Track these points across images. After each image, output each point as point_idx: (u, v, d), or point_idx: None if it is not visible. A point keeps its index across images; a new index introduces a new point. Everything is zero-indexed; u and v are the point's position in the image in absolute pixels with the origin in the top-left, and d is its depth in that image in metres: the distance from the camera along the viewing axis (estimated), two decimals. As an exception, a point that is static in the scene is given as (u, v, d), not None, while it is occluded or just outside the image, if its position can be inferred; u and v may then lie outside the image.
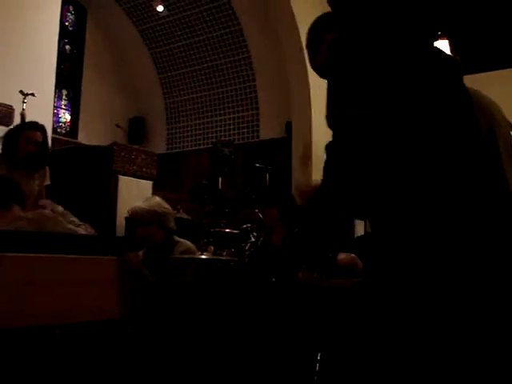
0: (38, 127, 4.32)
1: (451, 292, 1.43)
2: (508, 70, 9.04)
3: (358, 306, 1.68)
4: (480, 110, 1.84)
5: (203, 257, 2.85)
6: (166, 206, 3.54)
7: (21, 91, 5.44)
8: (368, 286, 1.66)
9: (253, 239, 4.95)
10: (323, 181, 1.74)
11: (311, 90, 9.09)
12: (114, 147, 5.99)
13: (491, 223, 1.49)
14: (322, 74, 2.08)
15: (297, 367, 2.94)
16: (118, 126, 9.31)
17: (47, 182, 4.40)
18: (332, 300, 2.81)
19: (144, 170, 6.17)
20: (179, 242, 3.48)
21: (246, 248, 4.89)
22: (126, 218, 5.75)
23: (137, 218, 3.43)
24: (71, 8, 10.81)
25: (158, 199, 3.57)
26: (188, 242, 3.57)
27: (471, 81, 1.90)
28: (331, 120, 1.68)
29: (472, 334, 1.43)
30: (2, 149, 4.30)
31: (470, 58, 8.36)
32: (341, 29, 1.91)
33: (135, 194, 5.95)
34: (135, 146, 7.44)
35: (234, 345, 2.85)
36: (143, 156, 6.24)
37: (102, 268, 1.67)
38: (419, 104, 1.55)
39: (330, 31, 2.00)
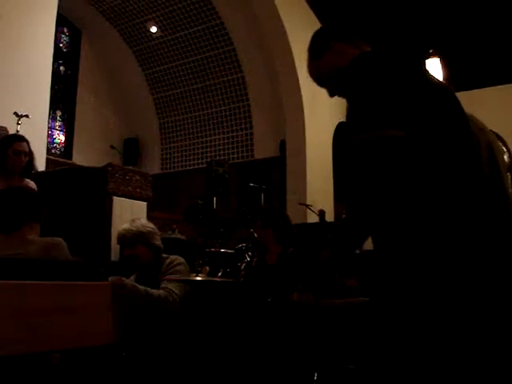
0: (23, 138, 4.40)
1: (460, 307, 1.48)
2: (499, 86, 9.14)
3: (367, 324, 1.71)
4: (476, 127, 1.88)
5: (198, 278, 2.83)
6: (151, 225, 3.61)
7: (15, 113, 5.43)
8: (376, 304, 1.68)
9: (248, 259, 4.94)
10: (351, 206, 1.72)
11: (305, 109, 9.15)
12: (109, 168, 5.95)
13: (498, 240, 1.55)
14: (319, 81, 2.05)
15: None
16: (112, 147, 9.33)
17: None
18: (327, 319, 2.80)
19: (139, 190, 6.14)
20: (167, 257, 3.52)
21: (242, 268, 4.88)
22: (121, 239, 5.73)
23: (123, 240, 3.47)
24: (65, 30, 10.86)
25: (142, 220, 3.64)
26: (175, 256, 3.60)
27: (463, 98, 1.92)
28: (360, 141, 1.63)
29: (477, 343, 1.46)
30: None
31: (462, 75, 8.43)
32: (353, 43, 1.93)
33: (130, 215, 5.91)
34: (130, 167, 7.42)
35: (230, 365, 2.82)
36: (138, 177, 6.21)
37: (97, 293, 1.66)
38: (427, 126, 1.61)
39: (338, 41, 1.96)
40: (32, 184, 4.44)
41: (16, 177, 4.25)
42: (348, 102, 1.72)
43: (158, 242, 3.52)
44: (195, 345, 2.78)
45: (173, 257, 3.55)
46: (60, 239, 2.62)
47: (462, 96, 1.82)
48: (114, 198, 5.83)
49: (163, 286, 3.19)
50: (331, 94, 2.03)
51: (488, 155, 1.91)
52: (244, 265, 4.99)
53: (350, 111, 1.71)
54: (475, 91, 8.75)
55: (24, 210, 2.65)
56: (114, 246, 5.71)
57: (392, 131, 1.57)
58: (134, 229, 3.46)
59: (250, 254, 5.07)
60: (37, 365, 1.68)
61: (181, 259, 3.51)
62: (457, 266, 1.49)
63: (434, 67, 7.98)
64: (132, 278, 3.56)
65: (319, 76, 2.03)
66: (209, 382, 2.71)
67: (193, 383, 2.72)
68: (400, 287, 1.56)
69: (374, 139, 1.58)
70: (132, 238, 3.42)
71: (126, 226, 3.54)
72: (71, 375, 1.81)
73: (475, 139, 1.72)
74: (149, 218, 6.41)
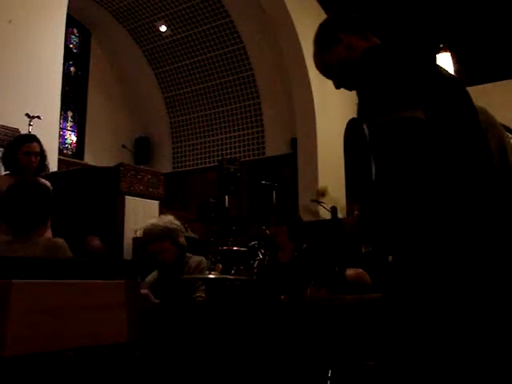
0: (33, 138, 4.40)
1: (470, 305, 1.47)
2: (510, 80, 9.07)
3: (382, 320, 1.69)
4: (487, 121, 1.87)
5: (211, 276, 2.84)
6: (177, 222, 3.61)
7: (27, 114, 5.46)
8: (389, 301, 1.66)
9: (261, 256, 4.94)
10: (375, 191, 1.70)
11: (315, 106, 9.13)
12: (121, 168, 5.99)
13: (508, 232, 1.53)
14: (326, 73, 2.01)
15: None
16: (124, 146, 9.36)
17: None
18: (341, 316, 2.79)
19: (151, 189, 6.17)
20: (191, 256, 3.53)
21: (255, 265, 4.88)
22: (134, 239, 5.75)
23: (150, 235, 3.47)
24: (75, 30, 10.90)
25: (169, 216, 3.66)
26: (199, 257, 3.61)
27: (475, 92, 1.91)
28: (385, 124, 1.59)
29: (486, 341, 1.45)
30: (5, 166, 4.38)
31: (473, 69, 8.38)
32: (363, 36, 1.90)
33: (142, 214, 5.94)
34: (141, 167, 7.45)
35: (244, 363, 2.82)
36: (150, 176, 6.23)
37: (111, 292, 1.67)
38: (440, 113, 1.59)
39: (347, 32, 1.91)
40: (45, 183, 4.33)
41: (28, 176, 4.20)
42: (360, 92, 1.71)
43: (183, 240, 3.54)
44: (209, 343, 2.78)
45: (197, 258, 3.55)
46: (61, 240, 2.60)
47: (473, 90, 1.81)
48: (126, 197, 5.86)
49: (198, 295, 3.21)
50: (338, 86, 2.00)
51: (498, 147, 1.90)
52: (257, 262, 4.99)
53: (364, 99, 1.69)
54: (487, 85, 8.69)
55: (33, 211, 2.63)
56: (127, 245, 5.75)
57: (413, 112, 1.55)
58: (161, 224, 3.49)
59: (262, 251, 5.08)
60: (51, 363, 1.70)
61: (204, 261, 3.52)
62: (467, 259, 1.48)
63: (445, 62, 7.94)
64: (154, 274, 3.58)
65: (328, 68, 1.99)
66: (222, 379, 2.72)
67: (206, 381, 2.73)
68: (413, 281, 1.54)
69: (395, 120, 1.55)
70: (159, 233, 3.43)
71: (153, 220, 3.57)
72: (85, 373, 1.83)
73: (484, 131, 1.70)
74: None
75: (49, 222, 2.93)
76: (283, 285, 3.53)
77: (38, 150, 4.33)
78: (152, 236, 3.47)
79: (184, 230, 3.67)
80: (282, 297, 3.34)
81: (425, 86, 1.65)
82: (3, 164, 4.38)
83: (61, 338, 1.56)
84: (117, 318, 1.63)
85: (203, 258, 3.60)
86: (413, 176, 1.54)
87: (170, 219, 3.58)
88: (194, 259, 3.52)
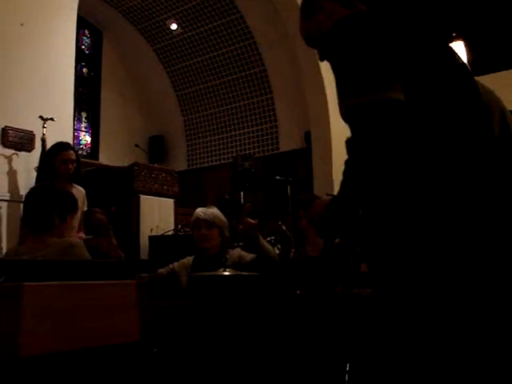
0: (69, 146, 4.66)
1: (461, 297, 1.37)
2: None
3: (371, 315, 1.58)
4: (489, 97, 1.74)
5: (226, 273, 2.84)
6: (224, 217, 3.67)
7: (40, 116, 5.50)
8: (378, 294, 1.57)
9: (277, 251, 4.92)
10: (344, 182, 1.56)
11: (328, 99, 9.07)
12: (135, 167, 6.02)
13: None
14: (309, 42, 1.90)
15: (327, 378, 2.91)
16: (137, 145, 9.38)
17: (85, 208, 4.67)
18: (359, 310, 2.78)
19: (165, 188, 6.20)
20: (230, 250, 3.55)
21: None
22: (150, 237, 5.77)
23: (203, 219, 3.50)
24: (87, 32, 10.95)
25: (215, 208, 3.68)
26: (239, 250, 3.63)
27: (489, 80, 1.85)
28: (353, 107, 1.42)
29: (479, 336, 1.37)
30: (41, 173, 4.61)
31: (486, 57, 8.29)
32: (346, 3, 1.74)
33: (158, 212, 5.97)
34: (156, 165, 7.48)
35: (263, 358, 2.82)
36: (164, 174, 6.27)
37: (122, 292, 1.68)
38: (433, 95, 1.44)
39: (330, 1, 1.77)
40: (80, 189, 4.69)
41: (66, 183, 4.43)
42: (333, 66, 1.54)
43: (228, 234, 3.58)
44: (226, 339, 2.78)
45: (236, 251, 3.57)
46: (76, 240, 2.64)
47: (488, 78, 1.74)
48: (141, 196, 5.90)
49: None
50: (321, 58, 1.88)
51: (500, 120, 1.74)
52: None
53: (337, 75, 1.52)
54: (501, 73, 8.59)
55: (43, 213, 2.66)
56: (143, 243, 5.78)
57: (391, 93, 1.36)
58: (216, 213, 3.55)
59: (279, 246, 5.07)
60: (68, 362, 1.71)
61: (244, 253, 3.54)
62: (469, 256, 1.36)
63: (459, 50, 7.86)
64: (189, 259, 3.59)
65: (309, 37, 1.90)
66: (240, 374, 2.72)
67: (225, 375, 2.73)
68: (401, 279, 1.43)
69: (369, 103, 1.37)
70: (212, 220, 3.48)
71: (203, 209, 3.59)
72: (102, 372, 1.84)
73: (485, 103, 1.56)
74: (176, 214, 6.46)
75: (71, 223, 2.96)
76: (310, 279, 3.52)
77: (74, 157, 4.55)
78: (205, 221, 3.50)
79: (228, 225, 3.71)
80: (298, 292, 3.34)
81: (407, 61, 1.45)
82: (39, 172, 4.54)
83: (74, 338, 1.57)
84: (129, 318, 1.65)
85: (242, 251, 3.62)
86: (394, 166, 1.39)
87: (218, 211, 3.63)
88: (236, 251, 3.55)
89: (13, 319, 1.48)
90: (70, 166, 4.50)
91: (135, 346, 1.81)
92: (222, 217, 3.59)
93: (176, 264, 3.59)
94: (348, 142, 1.54)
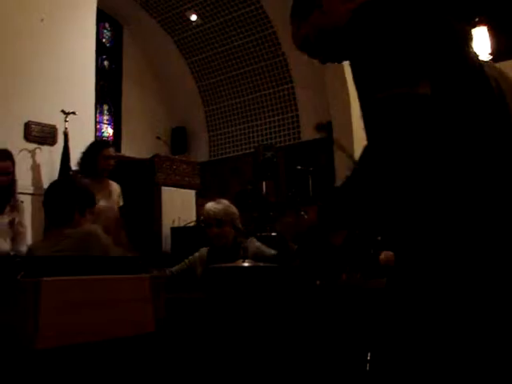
0: (109, 144, 5.17)
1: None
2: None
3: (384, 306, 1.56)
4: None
5: (245, 264, 2.85)
6: (234, 207, 3.68)
7: (62, 110, 5.56)
8: (391, 286, 1.55)
9: (299, 241, 4.91)
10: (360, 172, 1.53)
11: (349, 88, 9.01)
12: (156, 159, 6.06)
13: None
14: (306, 47, 1.78)
15: (348, 368, 2.92)
16: (158, 138, 9.43)
17: (121, 203, 4.81)
18: (375, 300, 2.78)
19: (186, 179, 6.23)
20: (246, 241, 3.55)
21: (295, 251, 4.87)
22: (172, 229, 5.81)
23: (213, 218, 3.50)
24: (107, 25, 11.01)
25: (227, 201, 3.68)
26: (255, 241, 3.64)
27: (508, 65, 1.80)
28: (383, 100, 1.33)
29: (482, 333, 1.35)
30: (81, 169, 4.78)
31: (509, 43, 8.16)
32: None
33: (179, 204, 6.01)
34: (176, 157, 7.51)
35: (284, 347, 2.83)
36: (185, 166, 6.30)
37: (137, 286, 1.72)
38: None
39: None
40: (116, 185, 4.99)
41: (104, 178, 4.75)
42: (354, 61, 1.45)
43: (240, 224, 3.59)
44: (245, 331, 2.80)
45: (253, 243, 3.57)
46: (94, 227, 2.68)
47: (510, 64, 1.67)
48: (163, 187, 5.94)
49: None
50: (324, 61, 1.79)
51: None
52: (297, 248, 4.97)
53: (360, 70, 1.42)
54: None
55: (62, 206, 2.71)
56: (165, 235, 5.82)
57: (419, 88, 1.29)
58: (220, 207, 3.55)
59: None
60: (85, 353, 1.75)
61: (261, 247, 3.54)
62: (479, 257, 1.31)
63: (482, 36, 7.75)
64: (202, 251, 3.61)
65: (306, 41, 1.77)
66: (260, 364, 2.74)
67: (245, 366, 2.75)
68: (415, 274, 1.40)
69: (396, 96, 1.30)
70: (222, 217, 3.50)
71: (213, 204, 3.60)
72: (117, 362, 1.88)
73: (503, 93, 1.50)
74: (198, 205, 6.49)
75: (90, 217, 3.00)
76: (322, 269, 3.52)
77: (114, 154, 4.87)
78: (214, 219, 3.52)
79: (239, 214, 3.71)
80: (318, 282, 3.34)
81: (435, 54, 1.36)
82: (80, 167, 4.68)
83: (90, 330, 1.62)
84: (143, 310, 1.69)
85: (260, 246, 3.62)
86: (415, 164, 1.33)
87: (228, 204, 3.64)
88: (252, 242, 3.56)
89: (31, 313, 1.53)
90: (111, 162, 4.74)
91: (150, 337, 1.85)
92: (233, 208, 3.61)
93: (190, 258, 3.61)
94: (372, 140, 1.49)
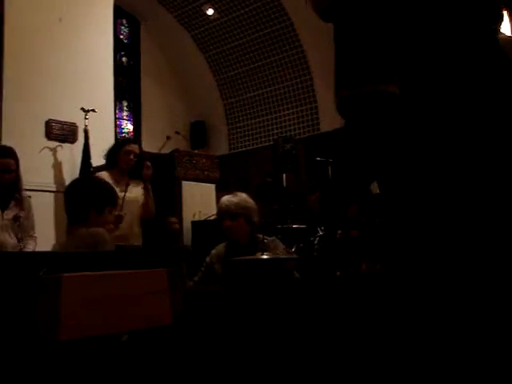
0: (135, 141, 5.21)
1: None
2: None
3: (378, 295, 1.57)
4: None
5: (264, 257, 2.86)
6: (252, 201, 3.63)
7: (82, 108, 5.63)
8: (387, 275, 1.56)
9: (321, 233, 4.94)
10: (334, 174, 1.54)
11: (368, 78, 8.96)
12: (175, 154, 6.11)
13: None
14: (326, 17, 1.70)
15: (369, 357, 2.92)
16: (177, 132, 9.48)
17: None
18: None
19: (206, 173, 6.26)
20: (264, 238, 3.51)
21: (315, 242, 4.89)
22: (193, 222, 5.86)
23: (225, 211, 3.51)
24: (124, 21, 11.07)
25: (244, 194, 3.66)
26: (273, 237, 3.64)
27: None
28: (342, 100, 1.31)
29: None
30: (106, 162, 4.85)
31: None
32: None
33: (199, 198, 6.05)
34: (196, 151, 7.56)
35: (301, 342, 2.85)
36: (204, 160, 6.34)
37: (154, 280, 1.77)
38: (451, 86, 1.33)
39: None
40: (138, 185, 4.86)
41: (125, 175, 4.71)
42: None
43: (257, 219, 3.57)
44: (263, 323, 2.82)
45: (274, 240, 3.57)
46: (100, 230, 2.69)
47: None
48: (183, 182, 5.98)
49: None
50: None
51: None
52: (318, 239, 4.99)
53: (335, 62, 1.40)
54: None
55: (77, 205, 2.74)
56: (186, 229, 5.87)
57: (387, 86, 1.26)
58: (236, 201, 3.53)
59: (322, 228, 5.07)
60: (108, 344, 1.81)
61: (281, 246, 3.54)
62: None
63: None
64: (219, 248, 3.63)
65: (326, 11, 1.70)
66: (279, 356, 2.76)
67: (264, 358, 2.77)
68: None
69: (360, 95, 1.28)
70: (234, 210, 3.48)
71: (228, 197, 3.60)
72: (139, 352, 1.93)
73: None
74: (218, 199, 6.52)
75: (109, 216, 3.03)
76: (342, 260, 3.54)
77: (137, 151, 4.81)
78: (227, 212, 3.52)
79: (257, 208, 3.69)
80: (338, 273, 3.36)
81: (407, 52, 1.31)
82: (106, 160, 4.76)
83: (110, 322, 1.67)
84: (161, 303, 1.74)
85: (278, 241, 3.62)
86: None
87: (244, 197, 3.62)
88: (272, 240, 3.55)
89: (53, 307, 1.59)
90: (132, 157, 4.70)
91: (168, 330, 1.90)
92: (249, 203, 3.57)
93: (207, 259, 3.60)
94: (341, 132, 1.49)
